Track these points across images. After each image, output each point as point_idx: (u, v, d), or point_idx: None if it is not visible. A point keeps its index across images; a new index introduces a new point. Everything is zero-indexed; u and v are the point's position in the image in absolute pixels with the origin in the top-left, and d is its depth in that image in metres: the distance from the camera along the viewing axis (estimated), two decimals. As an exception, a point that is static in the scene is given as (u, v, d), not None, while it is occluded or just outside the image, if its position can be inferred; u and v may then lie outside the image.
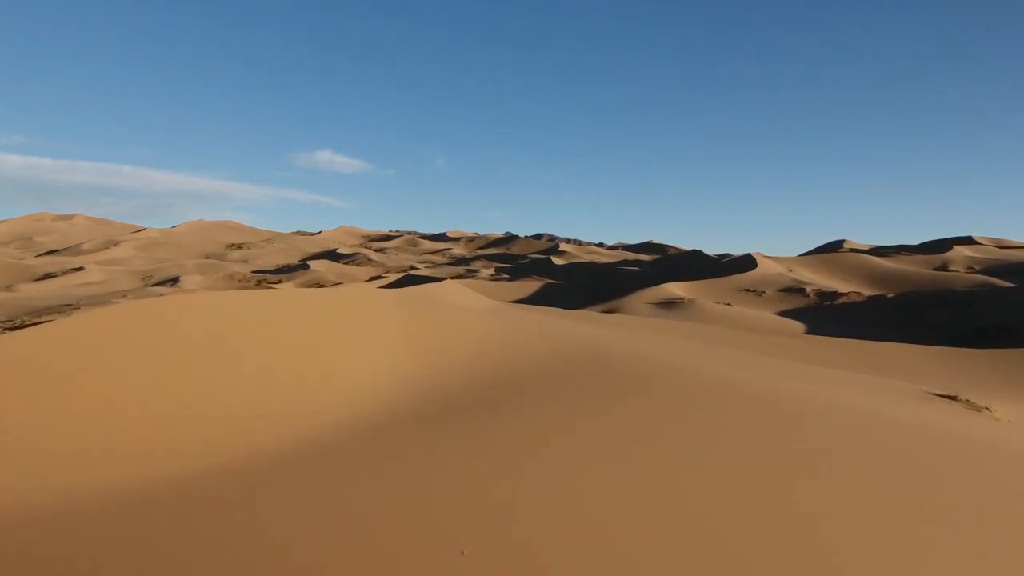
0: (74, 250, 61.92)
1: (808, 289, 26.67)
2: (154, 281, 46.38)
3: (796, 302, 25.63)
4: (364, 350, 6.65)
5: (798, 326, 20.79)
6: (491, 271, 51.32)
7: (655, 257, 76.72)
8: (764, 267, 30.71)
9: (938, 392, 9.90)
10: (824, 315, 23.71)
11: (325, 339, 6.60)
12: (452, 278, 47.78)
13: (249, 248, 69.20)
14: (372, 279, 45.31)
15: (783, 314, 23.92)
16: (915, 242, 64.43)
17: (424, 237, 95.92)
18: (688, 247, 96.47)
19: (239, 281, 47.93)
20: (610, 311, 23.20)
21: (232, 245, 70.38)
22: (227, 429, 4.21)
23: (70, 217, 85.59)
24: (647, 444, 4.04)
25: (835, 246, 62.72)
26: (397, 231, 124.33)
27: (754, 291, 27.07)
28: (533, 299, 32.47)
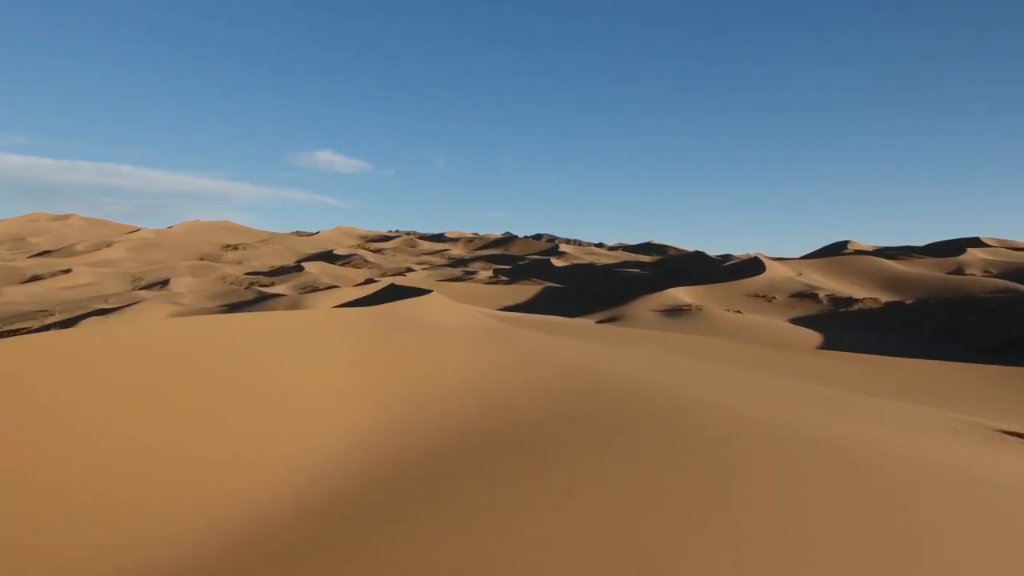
0: (66, 251, 60.37)
1: (821, 295, 25.09)
2: (143, 284, 44.85)
3: (809, 308, 24.06)
4: (308, 403, 5.08)
5: (814, 336, 19.21)
6: (489, 273, 49.74)
7: (656, 258, 75.35)
8: (772, 271, 29.13)
9: (1005, 428, 8.36)
10: (839, 323, 22.14)
11: (254, 392, 5.02)
12: (449, 280, 46.23)
13: (245, 249, 67.72)
14: (366, 281, 43.77)
15: (796, 321, 22.37)
16: (919, 243, 62.89)
17: (423, 238, 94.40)
18: (688, 247, 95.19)
19: (231, 283, 46.41)
20: (613, 319, 21.65)
21: (227, 246, 68.90)
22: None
23: (66, 217, 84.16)
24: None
25: (839, 247, 61.16)
26: (396, 231, 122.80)
27: (764, 296, 25.51)
28: (531, 304, 30.92)
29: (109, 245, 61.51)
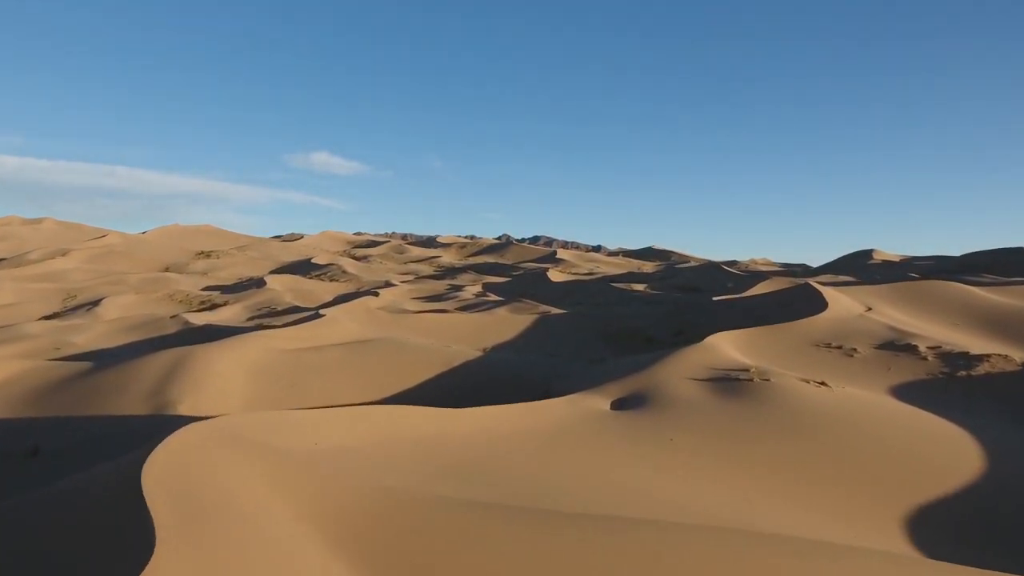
0: (16, 260, 52.32)
1: (921, 347, 17.04)
2: (74, 303, 36.78)
3: (910, 370, 16.02)
4: None
5: (972, 451, 11.19)
6: (477, 289, 41.68)
7: (659, 264, 67.16)
8: (836, 306, 21.09)
9: None
10: (975, 403, 14.10)
11: None
12: (427, 298, 38.14)
13: (218, 257, 59.62)
14: (336, 300, 35.79)
15: (900, 395, 14.40)
16: (952, 252, 54.65)
17: (415, 242, 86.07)
18: (689, 251, 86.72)
19: (180, 302, 38.35)
20: (637, 397, 13.63)
21: (200, 253, 60.84)
22: None
23: (38, 221, 76.12)
24: None
25: (864, 256, 53.08)
26: (390, 234, 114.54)
27: (839, 347, 17.49)
28: (519, 343, 22.89)
29: (65, 254, 53.44)
